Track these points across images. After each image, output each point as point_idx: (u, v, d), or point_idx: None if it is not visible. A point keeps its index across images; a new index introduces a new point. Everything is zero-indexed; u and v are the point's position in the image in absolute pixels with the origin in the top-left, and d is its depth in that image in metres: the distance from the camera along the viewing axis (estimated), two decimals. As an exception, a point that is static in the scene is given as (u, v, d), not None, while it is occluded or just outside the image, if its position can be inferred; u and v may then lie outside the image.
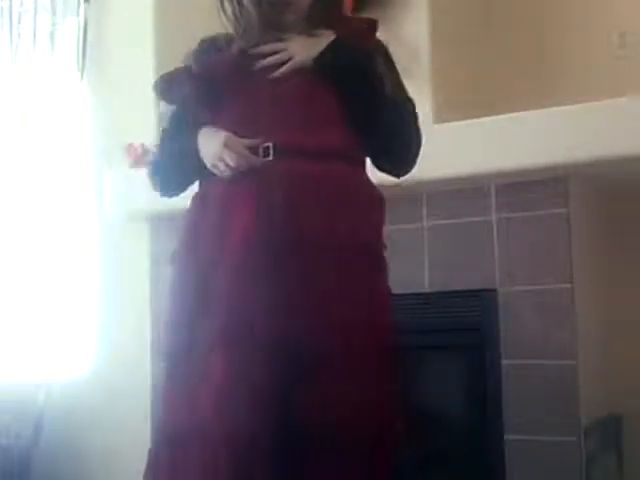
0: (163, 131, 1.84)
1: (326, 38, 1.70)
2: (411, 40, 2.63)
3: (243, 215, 1.58)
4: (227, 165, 1.61)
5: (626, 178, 2.55)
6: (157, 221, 3.06)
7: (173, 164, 1.78)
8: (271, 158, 1.61)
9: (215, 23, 1.74)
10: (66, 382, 3.30)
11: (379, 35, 2.56)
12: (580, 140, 2.28)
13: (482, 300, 2.50)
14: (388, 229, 2.60)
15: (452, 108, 2.59)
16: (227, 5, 1.72)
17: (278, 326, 1.51)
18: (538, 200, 2.43)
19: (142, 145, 3.10)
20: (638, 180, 2.55)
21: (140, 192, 3.04)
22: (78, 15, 3.34)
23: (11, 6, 3.49)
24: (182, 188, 1.79)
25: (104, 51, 3.34)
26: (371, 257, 1.68)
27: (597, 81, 2.65)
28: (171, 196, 1.82)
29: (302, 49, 1.69)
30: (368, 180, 1.75)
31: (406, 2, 2.64)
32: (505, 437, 2.42)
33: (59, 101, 3.43)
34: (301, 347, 1.50)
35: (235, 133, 1.65)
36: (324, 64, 1.67)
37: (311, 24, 1.74)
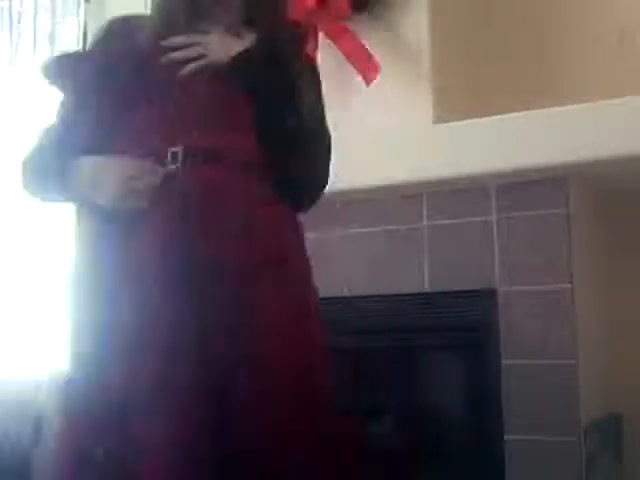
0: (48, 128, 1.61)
1: (248, 39, 1.55)
2: (411, 40, 2.63)
3: (151, 231, 1.42)
4: (139, 196, 1.43)
5: (626, 178, 2.55)
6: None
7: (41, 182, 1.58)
8: (179, 165, 1.45)
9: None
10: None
11: (379, 35, 2.56)
12: (580, 140, 2.28)
13: (482, 300, 2.50)
14: (388, 229, 2.61)
15: (452, 108, 2.59)
16: None
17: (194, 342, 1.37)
18: (538, 200, 2.43)
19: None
20: (638, 180, 2.55)
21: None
22: (78, 15, 3.34)
23: (11, 6, 3.49)
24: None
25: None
26: (287, 271, 1.49)
27: (597, 81, 2.65)
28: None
29: (218, 47, 1.53)
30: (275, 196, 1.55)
31: (406, 2, 2.64)
32: (505, 437, 2.42)
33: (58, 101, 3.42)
34: (217, 360, 1.37)
35: (140, 136, 1.48)
36: (238, 67, 1.51)
37: (243, 23, 1.59)
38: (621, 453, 2.63)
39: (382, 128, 2.55)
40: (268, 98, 1.51)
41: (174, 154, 1.46)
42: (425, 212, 2.60)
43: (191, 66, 1.51)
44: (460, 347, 2.57)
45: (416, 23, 2.62)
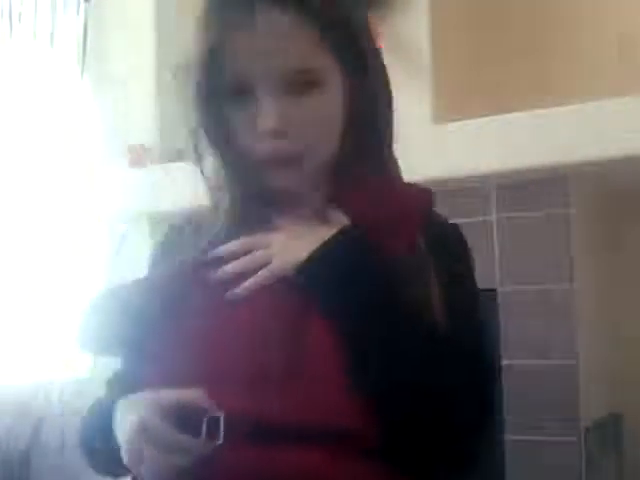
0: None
1: (327, 230, 1.07)
2: (411, 40, 2.63)
3: None
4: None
5: (627, 178, 2.55)
6: (157, 221, 3.05)
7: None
8: (220, 441, 0.92)
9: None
10: (66, 382, 3.30)
11: (379, 35, 2.54)
12: (580, 140, 2.28)
13: (482, 300, 2.49)
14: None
15: (452, 108, 2.59)
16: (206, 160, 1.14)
17: None
18: (538, 200, 2.43)
19: (142, 145, 3.10)
20: (638, 180, 2.55)
21: (140, 192, 3.06)
22: (78, 14, 3.34)
23: (11, 6, 3.49)
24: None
25: (104, 51, 3.34)
26: None
27: (598, 81, 2.65)
28: None
29: (283, 249, 1.05)
30: None
31: (406, 2, 2.64)
32: (505, 437, 2.42)
33: (59, 101, 3.43)
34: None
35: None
36: (306, 276, 1.03)
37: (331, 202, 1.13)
38: (621, 453, 2.63)
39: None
40: (362, 325, 1.02)
41: (213, 423, 0.93)
42: (425, 212, 2.59)
43: (251, 282, 1.04)
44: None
45: (416, 23, 2.62)
